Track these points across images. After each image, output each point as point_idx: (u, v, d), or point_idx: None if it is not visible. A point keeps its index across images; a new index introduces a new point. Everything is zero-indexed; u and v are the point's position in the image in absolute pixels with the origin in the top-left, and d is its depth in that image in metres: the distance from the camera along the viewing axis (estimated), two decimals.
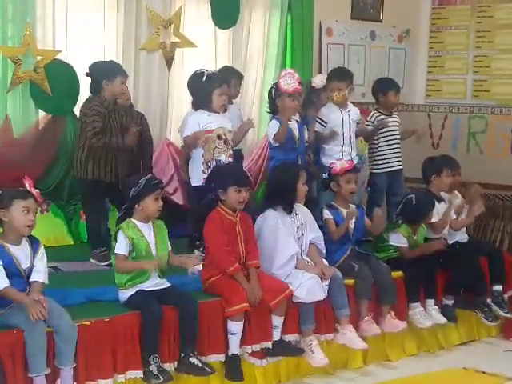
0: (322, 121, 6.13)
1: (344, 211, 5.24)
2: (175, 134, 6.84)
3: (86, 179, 5.60)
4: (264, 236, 4.83)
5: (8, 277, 3.81)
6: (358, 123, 6.28)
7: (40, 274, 3.93)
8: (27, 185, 3.90)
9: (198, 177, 5.52)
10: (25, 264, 3.88)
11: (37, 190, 3.93)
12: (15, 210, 3.83)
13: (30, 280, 3.90)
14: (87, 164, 5.56)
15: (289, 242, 4.82)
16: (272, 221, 4.84)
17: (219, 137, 5.51)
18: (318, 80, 6.39)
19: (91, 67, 5.67)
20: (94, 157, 5.53)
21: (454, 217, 5.84)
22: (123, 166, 5.62)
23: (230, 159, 5.58)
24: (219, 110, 5.59)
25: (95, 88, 5.63)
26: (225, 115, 5.74)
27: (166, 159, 6.80)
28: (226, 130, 5.56)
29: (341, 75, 6.20)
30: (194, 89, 5.67)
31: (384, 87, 6.55)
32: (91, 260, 5.57)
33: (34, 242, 3.97)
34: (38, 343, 3.72)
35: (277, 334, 4.66)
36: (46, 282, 3.96)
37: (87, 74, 5.70)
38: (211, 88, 5.51)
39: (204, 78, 5.53)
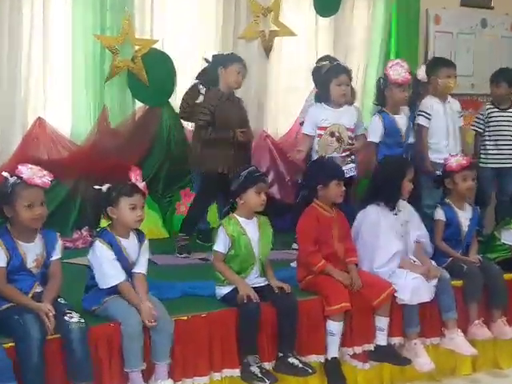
0: (427, 113, 5.90)
1: (459, 211, 5.10)
2: (272, 125, 6.91)
3: (200, 170, 5.72)
4: (364, 232, 4.73)
5: None
6: (459, 116, 6.06)
7: (141, 266, 4.00)
8: (133, 177, 3.94)
9: None
10: (132, 257, 3.97)
11: (143, 183, 3.98)
12: (122, 207, 3.91)
13: (133, 271, 3.97)
14: (202, 155, 5.62)
15: (391, 239, 4.68)
16: (373, 216, 4.73)
17: (332, 134, 5.52)
18: (422, 72, 6.13)
19: (213, 56, 5.75)
20: (209, 149, 5.56)
21: None
22: (236, 159, 5.52)
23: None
24: (340, 101, 5.56)
25: (213, 78, 5.64)
26: (345, 111, 5.63)
27: (262, 152, 6.83)
28: (342, 128, 5.54)
29: (452, 63, 6.08)
30: (315, 82, 5.83)
31: (493, 78, 6.44)
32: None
33: (140, 235, 4.06)
34: (134, 337, 3.71)
35: (382, 337, 4.52)
36: (145, 273, 4.01)
37: (207, 60, 5.78)
38: (328, 79, 5.56)
39: (324, 71, 5.66)
